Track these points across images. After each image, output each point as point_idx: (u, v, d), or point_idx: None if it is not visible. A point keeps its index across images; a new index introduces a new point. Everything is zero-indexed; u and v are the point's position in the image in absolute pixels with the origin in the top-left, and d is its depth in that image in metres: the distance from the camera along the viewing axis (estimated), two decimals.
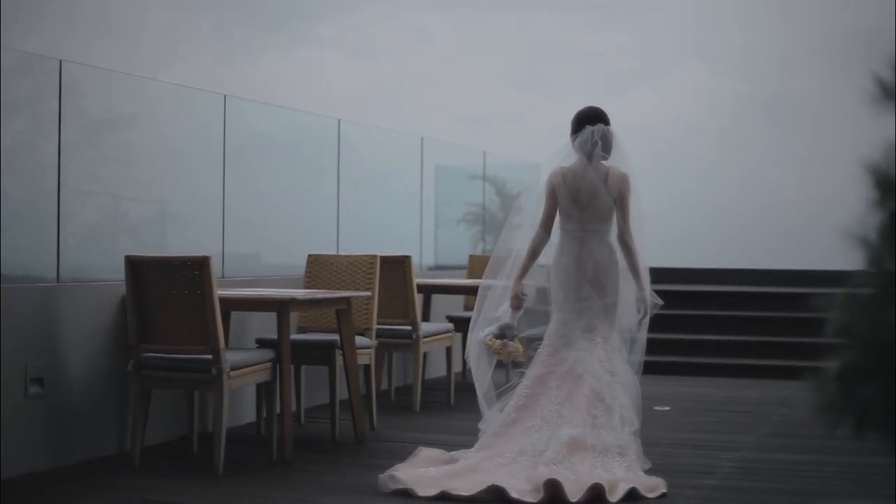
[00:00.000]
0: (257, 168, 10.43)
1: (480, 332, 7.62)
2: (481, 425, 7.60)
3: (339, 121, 11.36)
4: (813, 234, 14.83)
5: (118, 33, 17.95)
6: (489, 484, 6.64)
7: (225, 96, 9.60)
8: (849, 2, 18.03)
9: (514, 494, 6.56)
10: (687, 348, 13.27)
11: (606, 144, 7.51)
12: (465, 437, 7.93)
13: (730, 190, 18.48)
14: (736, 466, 7.67)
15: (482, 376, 7.66)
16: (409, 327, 9.85)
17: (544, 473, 6.70)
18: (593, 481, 6.65)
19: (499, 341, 7.48)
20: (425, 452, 7.35)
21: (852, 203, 2.85)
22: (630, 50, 20.81)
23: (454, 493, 6.65)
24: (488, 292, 7.81)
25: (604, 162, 7.50)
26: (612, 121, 7.63)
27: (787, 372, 12.53)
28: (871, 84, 2.74)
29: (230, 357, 7.33)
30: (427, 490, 6.69)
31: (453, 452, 7.42)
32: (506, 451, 7.12)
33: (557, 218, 7.64)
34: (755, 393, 11.58)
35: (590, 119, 7.55)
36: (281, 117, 10.88)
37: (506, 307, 7.60)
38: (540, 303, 7.66)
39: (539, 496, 6.56)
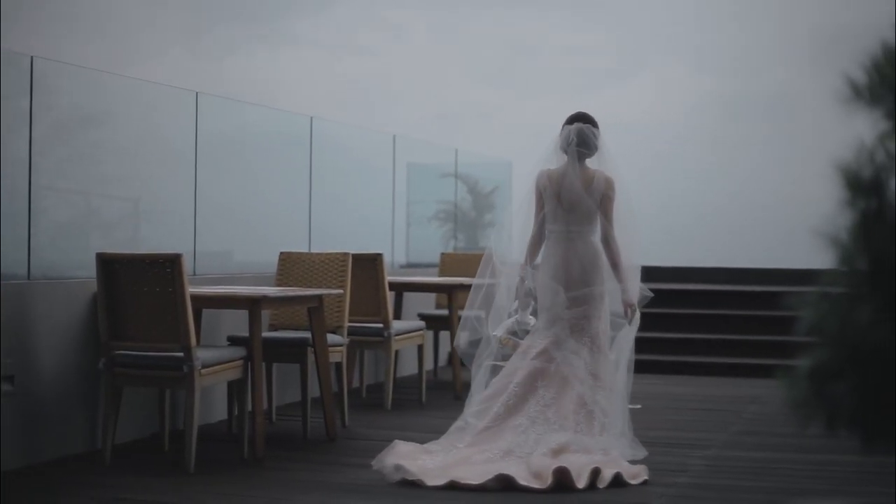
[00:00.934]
0: (229, 165, 10.41)
1: (497, 330, 7.90)
2: (465, 414, 7.79)
3: (311, 118, 11.35)
4: (785, 232, 14.88)
5: (90, 30, 17.90)
6: (497, 473, 6.82)
7: (197, 93, 9.58)
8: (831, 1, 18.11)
9: (521, 482, 6.76)
10: (658, 347, 13.30)
11: (584, 141, 7.72)
12: (437, 435, 7.93)
13: (701, 189, 18.53)
14: (708, 464, 7.69)
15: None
16: (380, 325, 9.84)
17: (550, 463, 6.90)
18: (592, 465, 6.91)
19: (512, 341, 7.82)
20: (400, 446, 7.42)
21: (824, 202, 2.86)
22: (606, 48, 20.84)
23: (463, 482, 6.82)
24: (489, 289, 8.10)
25: (590, 165, 7.72)
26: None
27: (758, 370, 12.57)
28: (842, 84, 2.76)
29: (201, 355, 7.32)
30: (435, 481, 6.86)
31: (426, 444, 7.57)
32: (493, 448, 7.30)
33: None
34: (727, 391, 11.62)
35: (571, 120, 7.82)
36: (253, 114, 10.86)
37: (516, 305, 7.84)
38: (524, 303, 7.90)
39: (547, 483, 6.75)
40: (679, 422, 9.55)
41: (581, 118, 7.83)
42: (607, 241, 7.76)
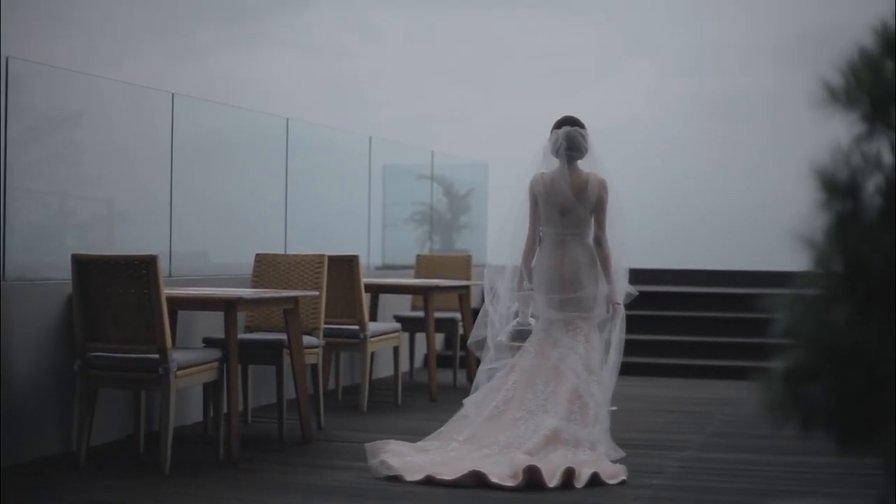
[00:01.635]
0: (205, 167, 10.39)
1: (501, 334, 8.11)
2: (466, 401, 8.06)
3: (287, 119, 11.34)
4: (761, 235, 14.90)
5: (65, 30, 17.85)
6: (470, 469, 6.99)
7: (173, 94, 9.56)
8: (804, 2, 18.15)
9: (493, 479, 6.90)
10: (634, 349, 13.31)
11: (574, 144, 7.96)
12: (413, 437, 7.94)
13: (676, 191, 18.56)
14: (683, 466, 7.70)
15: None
16: (356, 327, 9.84)
17: (522, 460, 7.04)
18: (566, 465, 7.04)
19: (516, 343, 8.05)
20: (393, 444, 7.55)
21: (800, 204, 2.87)
22: (581, 49, 20.86)
23: (438, 477, 6.99)
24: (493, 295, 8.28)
25: (583, 168, 7.94)
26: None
27: (734, 372, 12.60)
28: (819, 87, 2.76)
29: (177, 356, 7.30)
30: (414, 476, 7.03)
31: (419, 443, 7.76)
32: (493, 442, 7.51)
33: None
34: (703, 393, 11.64)
35: (559, 124, 8.04)
36: (229, 116, 10.84)
37: (516, 308, 8.12)
38: (524, 305, 8.14)
39: (518, 481, 6.87)
40: (655, 423, 9.56)
41: (569, 121, 8.03)
42: (599, 242, 8.02)
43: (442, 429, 7.95)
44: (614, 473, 7.17)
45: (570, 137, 7.97)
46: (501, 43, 21.20)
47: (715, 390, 11.80)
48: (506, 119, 20.14)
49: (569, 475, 7.00)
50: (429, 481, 6.96)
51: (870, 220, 2.79)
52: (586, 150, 8.00)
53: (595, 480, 7.03)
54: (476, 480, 6.91)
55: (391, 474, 7.07)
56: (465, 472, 6.97)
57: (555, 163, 8.04)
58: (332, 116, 19.14)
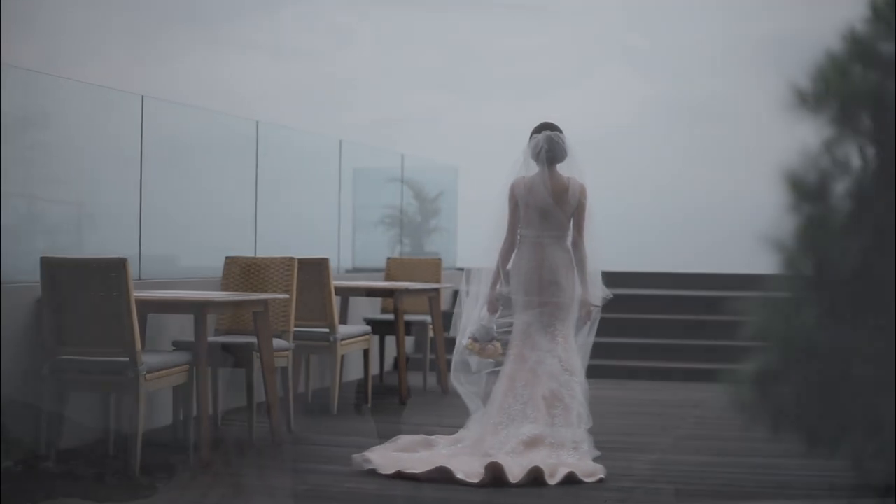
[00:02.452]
0: (175, 169, 10.36)
1: (462, 338, 8.20)
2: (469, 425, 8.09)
3: (257, 122, 11.32)
4: (730, 237, 14.94)
5: (33, 31, 17.77)
6: (437, 465, 7.16)
7: (143, 97, 9.53)
8: (772, 8, 18.21)
9: (459, 475, 7.03)
10: (604, 351, 13.33)
11: (553, 147, 8.10)
12: (382, 440, 7.94)
13: (647, 193, 18.60)
14: (652, 468, 7.72)
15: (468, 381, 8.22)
16: (326, 330, 9.82)
17: (488, 458, 7.22)
18: (533, 464, 7.13)
19: (478, 344, 8.05)
20: (404, 438, 7.90)
21: (770, 207, 2.88)
22: (552, 53, 20.88)
23: (408, 472, 7.14)
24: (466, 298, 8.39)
25: (563, 173, 8.06)
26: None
27: (703, 374, 12.62)
28: (788, 90, 2.78)
29: (147, 360, 7.28)
30: (388, 470, 7.20)
31: (431, 437, 7.99)
32: (479, 451, 7.60)
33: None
34: (672, 395, 11.66)
35: (539, 129, 8.16)
36: (199, 118, 10.81)
37: (484, 312, 8.15)
38: (505, 308, 8.21)
39: (481, 478, 7.01)
40: (624, 426, 9.57)
41: (549, 127, 8.16)
42: (576, 246, 8.13)
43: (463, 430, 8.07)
44: (592, 472, 7.27)
45: (551, 142, 8.11)
46: (472, 46, 21.22)
47: (684, 392, 11.82)
48: (476, 122, 20.15)
49: (537, 473, 7.08)
50: (399, 476, 7.11)
51: (839, 224, 2.81)
52: (566, 155, 8.14)
53: (571, 478, 7.12)
54: (443, 475, 7.06)
55: (369, 468, 7.23)
56: (432, 467, 7.14)
57: (535, 167, 8.16)
58: (302, 119, 19.12)
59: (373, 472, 7.19)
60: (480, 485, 6.95)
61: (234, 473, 7.41)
